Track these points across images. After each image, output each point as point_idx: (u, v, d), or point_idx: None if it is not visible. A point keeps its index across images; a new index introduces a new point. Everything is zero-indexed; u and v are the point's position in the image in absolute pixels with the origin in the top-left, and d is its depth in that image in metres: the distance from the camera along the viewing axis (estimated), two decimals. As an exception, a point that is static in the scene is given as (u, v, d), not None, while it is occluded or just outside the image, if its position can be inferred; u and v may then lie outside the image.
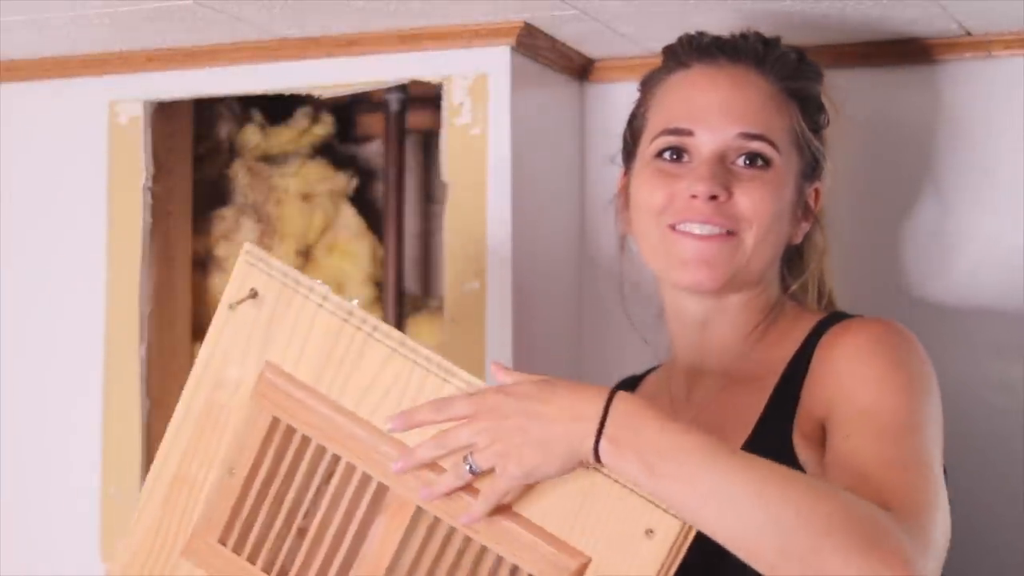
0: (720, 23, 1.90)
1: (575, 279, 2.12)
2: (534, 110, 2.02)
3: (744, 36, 1.74)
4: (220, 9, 1.91)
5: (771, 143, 1.69)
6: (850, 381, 1.59)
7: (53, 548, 2.13)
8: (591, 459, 1.43)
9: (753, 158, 1.69)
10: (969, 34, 1.98)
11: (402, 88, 2.12)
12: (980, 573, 1.96)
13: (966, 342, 1.99)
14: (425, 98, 2.08)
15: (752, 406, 1.69)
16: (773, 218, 1.69)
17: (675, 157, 1.70)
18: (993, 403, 1.97)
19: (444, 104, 1.98)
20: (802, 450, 1.61)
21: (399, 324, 2.15)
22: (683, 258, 1.68)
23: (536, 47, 1.99)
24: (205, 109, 2.21)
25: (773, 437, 1.64)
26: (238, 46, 2.05)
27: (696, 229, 1.67)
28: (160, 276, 2.12)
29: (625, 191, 1.79)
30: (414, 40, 1.99)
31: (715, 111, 1.69)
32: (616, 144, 1.86)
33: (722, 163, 1.68)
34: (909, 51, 2.01)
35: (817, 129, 1.76)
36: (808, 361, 1.66)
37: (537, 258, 2.02)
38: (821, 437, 1.59)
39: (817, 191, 1.77)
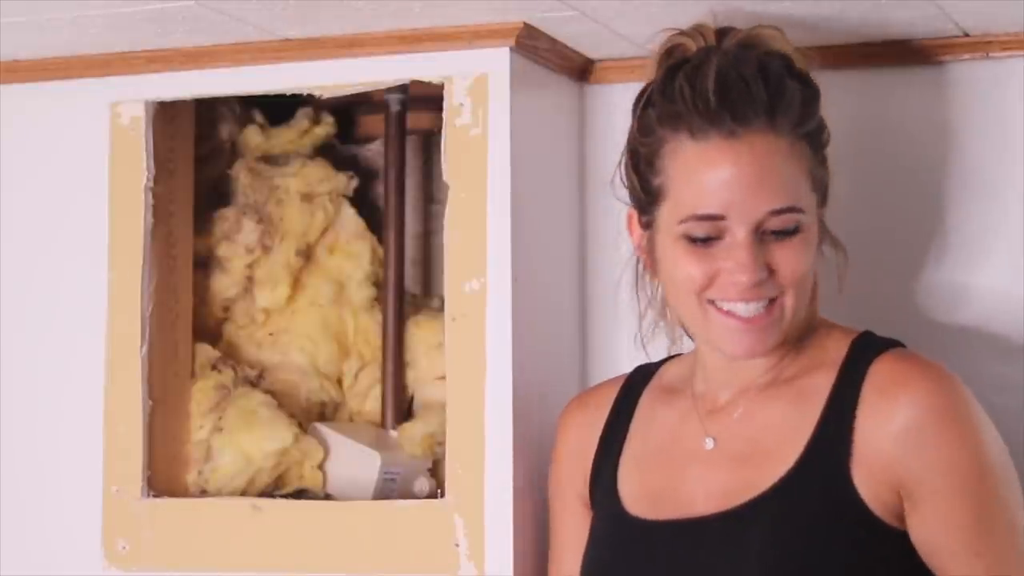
0: (719, 24, 1.91)
1: (576, 279, 2.12)
2: (534, 111, 2.02)
3: (745, 80, 1.71)
4: (221, 10, 1.92)
5: (799, 210, 1.72)
6: (950, 473, 1.68)
7: (54, 548, 2.13)
8: None
9: (785, 229, 1.71)
10: (967, 35, 1.99)
11: (402, 89, 2.12)
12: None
13: (966, 342, 1.99)
14: (425, 99, 2.08)
15: (798, 425, 1.72)
16: (807, 272, 1.74)
17: (706, 240, 1.72)
18: (993, 403, 1.97)
19: (444, 105, 1.99)
20: (865, 487, 1.68)
21: (399, 324, 2.15)
22: (732, 338, 1.72)
23: (536, 48, 2.00)
24: (206, 110, 2.21)
25: (828, 463, 1.70)
26: (239, 47, 2.06)
27: (741, 310, 1.71)
28: (161, 276, 2.12)
29: (644, 240, 1.79)
30: (414, 41, 1.99)
31: (743, 192, 1.70)
32: (615, 148, 1.86)
33: (758, 240, 1.70)
34: (907, 52, 2.01)
35: (823, 155, 1.78)
36: (857, 388, 1.72)
37: (537, 258, 2.02)
38: (891, 487, 1.68)
39: (823, 211, 1.80)
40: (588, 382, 2.08)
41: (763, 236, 1.70)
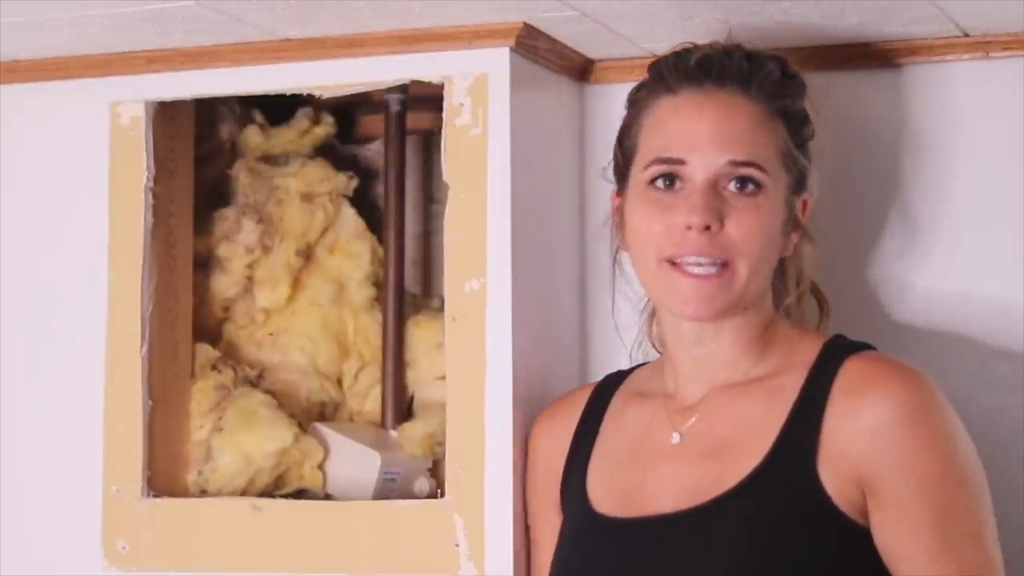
0: (719, 24, 1.91)
1: (576, 279, 2.12)
2: (534, 111, 2.02)
3: (729, 54, 1.77)
4: (221, 10, 1.92)
5: (760, 168, 1.73)
6: (912, 473, 1.67)
7: (54, 548, 2.13)
8: None
9: (744, 183, 1.73)
10: (967, 35, 1.99)
11: (402, 89, 2.12)
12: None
13: (966, 342, 1.99)
14: (425, 99, 2.08)
15: (767, 423, 1.73)
16: (765, 242, 1.74)
17: (668, 184, 1.75)
18: (993, 403, 1.98)
19: (444, 105, 1.99)
20: (832, 484, 1.68)
21: (399, 324, 2.15)
22: (682, 295, 1.74)
23: (536, 48, 2.00)
24: (206, 110, 2.21)
25: (795, 460, 1.70)
26: (239, 47, 2.06)
27: (693, 264, 1.72)
28: (162, 276, 2.12)
29: (620, 211, 1.82)
30: (414, 41, 1.99)
31: (705, 139, 1.74)
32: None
33: (714, 190, 1.73)
34: (907, 52, 2.01)
35: (803, 143, 1.79)
36: (827, 387, 1.72)
37: (537, 258, 2.02)
38: (856, 485, 1.68)
39: (805, 202, 1.81)
40: (588, 382, 2.08)
41: (723, 192, 1.73)
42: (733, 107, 1.75)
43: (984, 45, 1.99)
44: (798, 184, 1.78)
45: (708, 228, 1.71)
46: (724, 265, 1.72)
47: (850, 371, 1.71)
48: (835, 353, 1.74)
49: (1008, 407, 1.97)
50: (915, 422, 1.67)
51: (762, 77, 1.76)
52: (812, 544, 1.67)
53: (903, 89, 2.03)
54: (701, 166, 1.73)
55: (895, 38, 2.00)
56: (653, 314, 1.91)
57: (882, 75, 2.03)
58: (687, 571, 1.69)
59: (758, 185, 1.73)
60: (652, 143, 1.77)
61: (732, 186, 1.73)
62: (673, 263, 1.73)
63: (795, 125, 1.78)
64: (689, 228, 1.72)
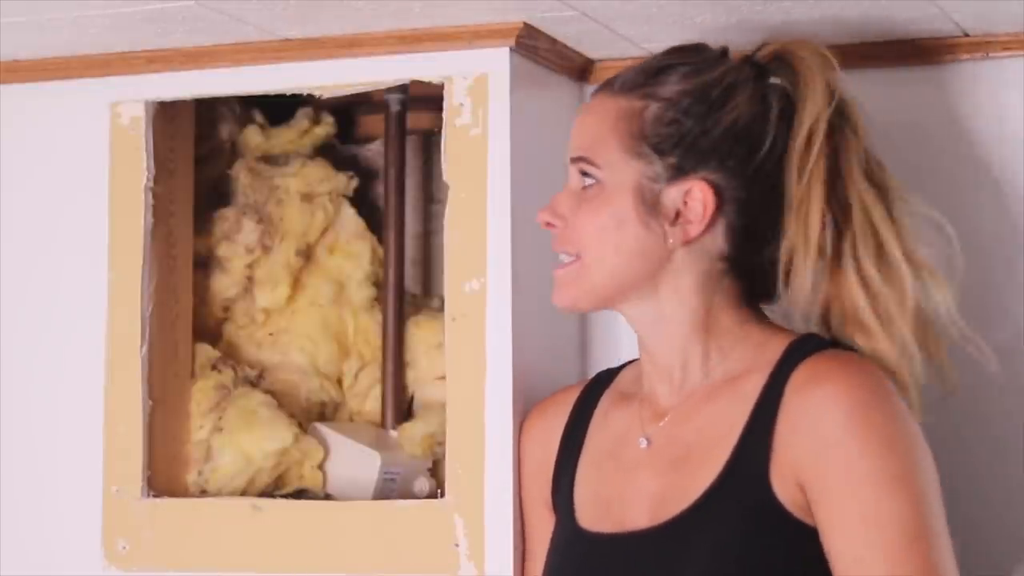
0: (719, 24, 1.91)
1: (575, 279, 2.12)
2: (534, 111, 2.02)
3: (649, 61, 1.79)
4: (221, 10, 1.92)
5: (589, 161, 1.76)
6: (845, 471, 1.62)
7: (55, 548, 2.13)
8: None
9: (584, 178, 1.77)
10: (967, 35, 1.99)
11: (402, 89, 2.12)
12: (981, 573, 1.97)
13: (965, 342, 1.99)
14: (425, 99, 2.09)
15: (728, 430, 1.71)
16: (604, 233, 1.74)
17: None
18: (993, 404, 1.98)
19: (444, 105, 1.99)
20: (782, 490, 1.66)
21: (399, 324, 2.15)
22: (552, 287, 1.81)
23: (536, 48, 2.00)
24: (206, 110, 2.21)
25: (750, 470, 1.68)
26: (239, 47, 2.06)
27: (559, 256, 1.79)
28: (162, 276, 2.12)
29: None
30: (414, 41, 1.99)
31: (570, 144, 1.80)
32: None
33: (573, 189, 1.79)
34: (907, 52, 2.01)
35: (680, 128, 1.72)
36: (781, 389, 1.69)
37: (537, 258, 2.02)
38: (801, 488, 1.64)
39: (702, 190, 1.72)
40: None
41: (579, 190, 1.78)
42: (594, 107, 1.79)
43: (984, 45, 1.99)
44: (674, 170, 1.72)
45: (550, 225, 1.79)
46: (577, 257, 1.77)
47: (802, 371, 1.68)
48: (796, 353, 1.70)
49: (1008, 407, 1.97)
50: (854, 419, 1.63)
51: (637, 71, 1.77)
52: (775, 557, 1.65)
53: (903, 89, 2.03)
54: (568, 169, 1.80)
55: (895, 38, 2.00)
56: None
57: (882, 75, 2.03)
58: None
59: (592, 178, 1.76)
60: None
61: (581, 184, 1.78)
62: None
63: (666, 111, 1.73)
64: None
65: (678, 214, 1.73)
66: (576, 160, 1.77)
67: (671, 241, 1.73)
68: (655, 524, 1.71)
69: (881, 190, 1.75)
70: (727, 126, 1.72)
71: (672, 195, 1.73)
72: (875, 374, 1.67)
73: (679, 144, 1.73)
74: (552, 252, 2.05)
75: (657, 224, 1.73)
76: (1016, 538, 1.95)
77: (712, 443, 1.71)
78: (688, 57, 1.77)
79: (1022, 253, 1.98)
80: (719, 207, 1.72)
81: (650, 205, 1.73)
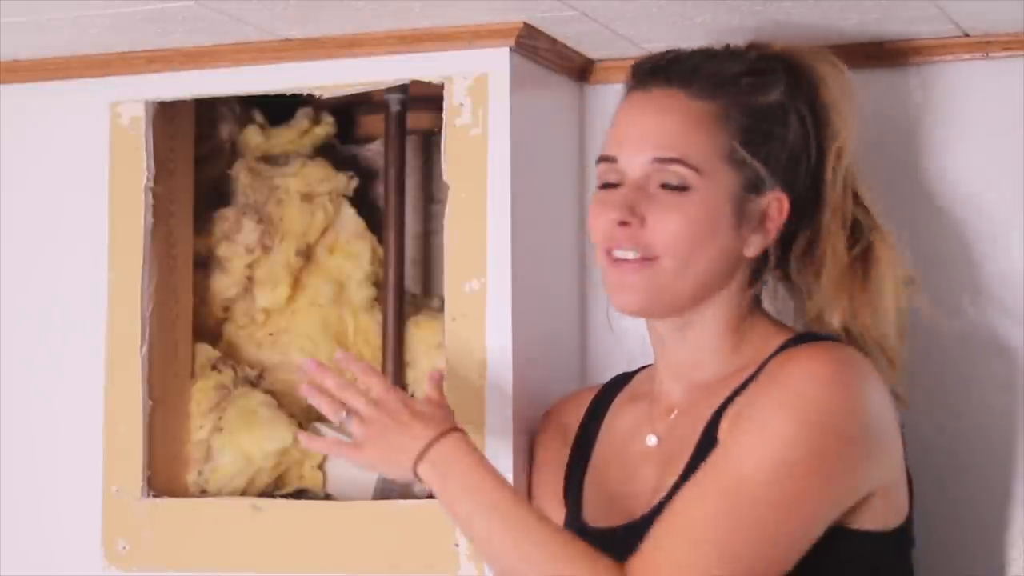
0: (719, 24, 1.91)
1: (576, 279, 2.12)
2: (534, 111, 2.02)
3: (691, 54, 1.77)
4: (221, 10, 1.92)
5: (688, 165, 1.72)
6: (746, 422, 1.65)
7: (55, 548, 2.13)
8: (412, 474, 1.76)
9: (670, 181, 1.73)
10: (967, 35, 1.99)
11: (402, 89, 2.12)
12: (979, 573, 1.97)
13: (966, 342, 1.99)
14: (425, 98, 2.09)
15: (707, 424, 1.71)
16: (692, 241, 1.73)
17: (611, 184, 1.77)
18: (993, 403, 1.98)
19: (444, 105, 1.99)
20: None
21: (399, 324, 2.15)
22: (611, 284, 1.77)
23: (536, 48, 2.00)
24: (206, 110, 2.21)
25: (703, 458, 1.68)
26: (239, 47, 2.06)
27: (619, 253, 1.74)
28: (162, 276, 2.12)
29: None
30: (414, 41, 1.99)
31: (633, 137, 1.76)
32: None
33: (641, 188, 1.74)
34: (907, 52, 2.01)
35: (764, 140, 1.75)
36: (755, 379, 1.71)
37: (537, 258, 2.02)
38: None
39: (780, 200, 1.76)
40: (588, 382, 2.08)
41: (653, 190, 1.74)
42: (668, 105, 1.75)
43: (984, 45, 1.99)
44: (754, 182, 1.75)
45: (625, 223, 1.73)
46: (651, 259, 1.73)
47: (781, 356, 1.70)
48: (788, 344, 1.73)
49: (1006, 407, 1.97)
50: (792, 381, 1.64)
51: (710, 75, 1.75)
52: None
53: (903, 89, 2.03)
54: (629, 164, 1.75)
55: (895, 38, 2.00)
56: None
57: (882, 75, 2.03)
58: None
59: (684, 182, 1.73)
60: (604, 143, 1.81)
61: (660, 183, 1.74)
62: (609, 255, 1.76)
63: (754, 121, 1.75)
64: (612, 223, 1.75)
65: (760, 223, 1.76)
66: (666, 160, 1.73)
67: (750, 250, 1.76)
68: (641, 515, 1.73)
69: (871, 200, 1.82)
70: (791, 141, 1.77)
71: (759, 204, 1.75)
72: (849, 362, 1.67)
73: (769, 155, 1.75)
74: (552, 252, 2.06)
75: (744, 233, 1.75)
76: (1016, 537, 1.95)
77: (696, 434, 1.73)
78: (754, 64, 1.78)
79: (1021, 252, 1.98)
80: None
81: (740, 213, 1.75)
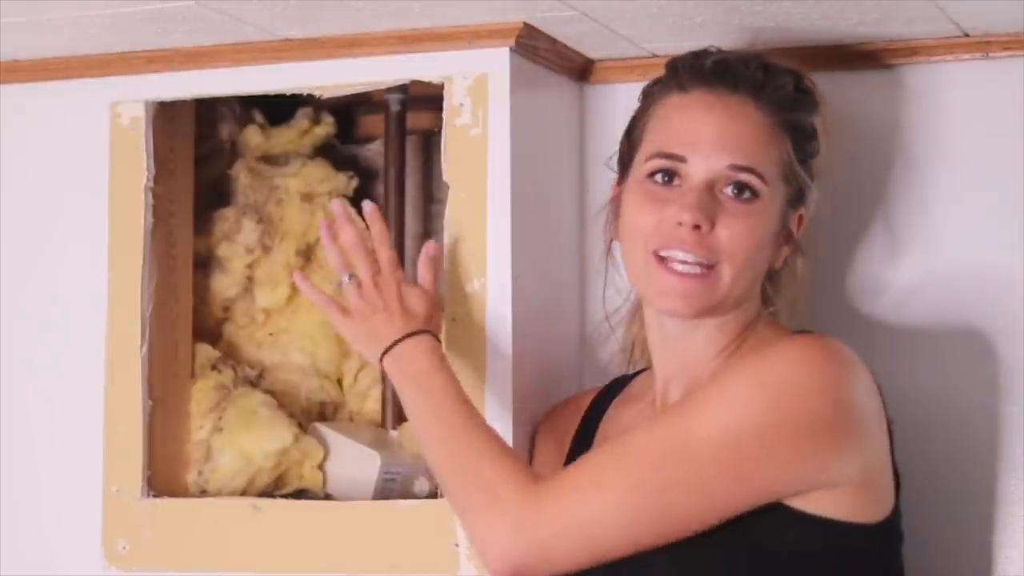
0: (719, 24, 1.91)
1: (576, 278, 2.12)
2: (534, 111, 2.02)
3: (746, 62, 1.77)
4: (221, 10, 1.92)
5: (760, 175, 1.73)
6: (711, 386, 1.66)
7: (55, 548, 2.13)
8: (377, 362, 1.85)
9: (741, 189, 1.73)
10: (967, 35, 1.99)
11: (402, 89, 2.12)
12: (967, 572, 1.97)
13: (961, 342, 1.99)
14: (425, 99, 2.09)
15: None
16: (753, 251, 1.74)
17: (666, 180, 1.75)
18: (985, 404, 1.98)
19: (444, 105, 1.99)
20: None
21: (399, 324, 2.15)
22: (663, 288, 1.74)
23: (536, 48, 2.00)
24: (206, 110, 2.21)
25: None
26: (239, 47, 2.06)
27: (679, 258, 1.72)
28: (162, 276, 2.12)
29: (617, 200, 1.82)
30: (414, 41, 1.99)
31: (708, 140, 1.74)
32: (615, 147, 1.87)
33: (710, 192, 1.73)
34: (907, 52, 2.01)
35: (806, 158, 1.79)
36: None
37: (537, 258, 2.02)
38: None
39: (800, 217, 1.81)
40: (588, 383, 2.08)
41: (719, 196, 1.73)
42: (741, 113, 1.75)
43: (984, 45, 1.99)
44: (796, 198, 1.79)
45: (698, 227, 1.71)
46: (710, 267, 1.72)
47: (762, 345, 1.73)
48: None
49: (1004, 406, 1.98)
50: (760, 357, 1.65)
51: (774, 88, 1.76)
52: (717, 540, 1.65)
53: (903, 89, 2.03)
54: (701, 166, 1.73)
55: (895, 38, 2.00)
56: (635, 312, 1.91)
57: (882, 75, 2.03)
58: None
59: (755, 192, 1.73)
60: (657, 137, 1.77)
61: (729, 190, 1.73)
62: (660, 257, 1.74)
63: (801, 140, 1.78)
64: (680, 225, 1.72)
65: (787, 238, 1.79)
66: (741, 168, 1.73)
67: (778, 262, 1.79)
68: None
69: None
70: (817, 161, 1.82)
71: (792, 219, 1.79)
72: (829, 349, 1.66)
73: (808, 174, 1.79)
74: (552, 252, 2.06)
75: (777, 245, 1.78)
76: (1011, 538, 1.95)
77: None
78: (800, 83, 1.80)
79: (1021, 251, 1.98)
80: None
81: (783, 226, 1.78)
